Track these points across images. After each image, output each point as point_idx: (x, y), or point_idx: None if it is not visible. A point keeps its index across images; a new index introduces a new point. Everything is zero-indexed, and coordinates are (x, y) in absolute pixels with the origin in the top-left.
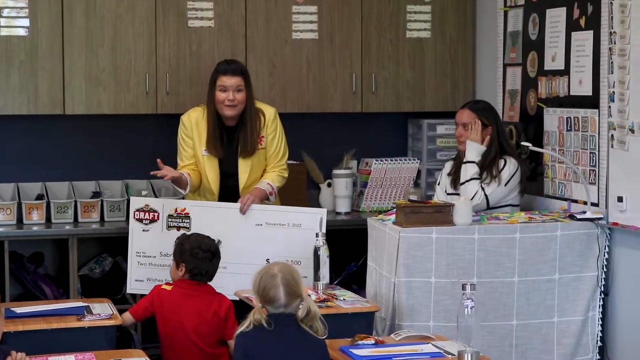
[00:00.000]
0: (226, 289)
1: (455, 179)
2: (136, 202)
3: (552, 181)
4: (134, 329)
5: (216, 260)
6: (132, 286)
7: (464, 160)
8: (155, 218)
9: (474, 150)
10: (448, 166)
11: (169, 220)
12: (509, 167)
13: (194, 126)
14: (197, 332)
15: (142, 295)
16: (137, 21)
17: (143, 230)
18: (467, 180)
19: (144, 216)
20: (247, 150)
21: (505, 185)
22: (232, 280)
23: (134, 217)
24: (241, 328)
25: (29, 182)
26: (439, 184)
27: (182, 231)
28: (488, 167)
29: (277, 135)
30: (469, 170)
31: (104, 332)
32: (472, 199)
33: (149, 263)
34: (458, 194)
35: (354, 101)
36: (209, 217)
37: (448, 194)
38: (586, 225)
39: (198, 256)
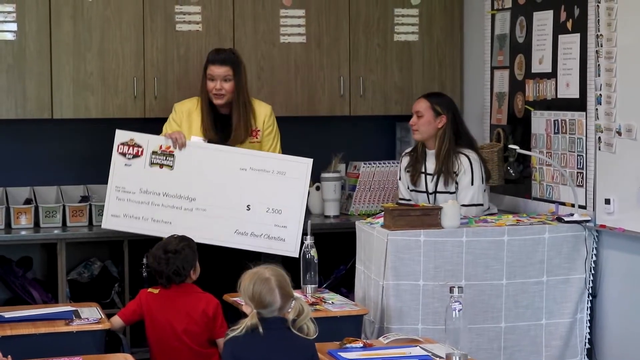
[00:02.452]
0: (204, 232)
1: (414, 175)
2: (121, 136)
3: (540, 184)
4: (122, 333)
5: (169, 259)
6: (108, 221)
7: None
8: (139, 153)
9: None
10: (405, 160)
11: (153, 156)
12: (476, 164)
13: (185, 115)
14: (187, 333)
15: (130, 297)
16: (124, 25)
17: (125, 165)
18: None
19: (128, 150)
20: (238, 134)
21: (483, 182)
22: (210, 223)
23: (117, 151)
24: (233, 333)
25: (17, 186)
26: (400, 179)
27: (164, 169)
28: (445, 160)
29: (273, 130)
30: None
31: (92, 337)
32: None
33: (128, 199)
34: (422, 191)
35: (342, 104)
36: (194, 158)
37: (411, 191)
38: (574, 227)
39: (149, 261)
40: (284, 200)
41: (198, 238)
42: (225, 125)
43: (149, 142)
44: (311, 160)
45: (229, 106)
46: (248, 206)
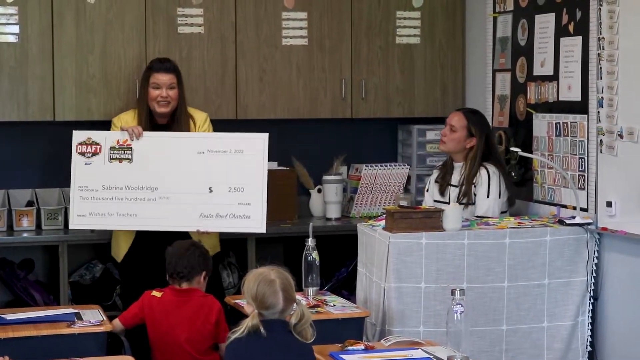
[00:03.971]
0: (169, 220)
1: (443, 186)
2: (78, 136)
3: (542, 186)
4: (124, 336)
5: (190, 254)
6: (75, 221)
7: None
8: (98, 151)
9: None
10: (435, 173)
11: (111, 152)
12: (493, 180)
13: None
14: (189, 341)
15: (127, 296)
16: (126, 27)
17: (85, 164)
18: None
19: (86, 149)
20: None
21: (500, 197)
22: (175, 210)
23: (76, 151)
24: (235, 335)
25: (19, 188)
26: (427, 191)
27: (124, 163)
28: (471, 179)
29: None
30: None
31: (94, 339)
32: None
33: (92, 197)
34: (445, 202)
35: (343, 107)
36: (151, 147)
37: (435, 201)
38: (575, 230)
39: (168, 258)
40: (244, 177)
41: (164, 226)
42: None
43: (106, 138)
44: (267, 134)
45: (166, 116)
46: (210, 188)
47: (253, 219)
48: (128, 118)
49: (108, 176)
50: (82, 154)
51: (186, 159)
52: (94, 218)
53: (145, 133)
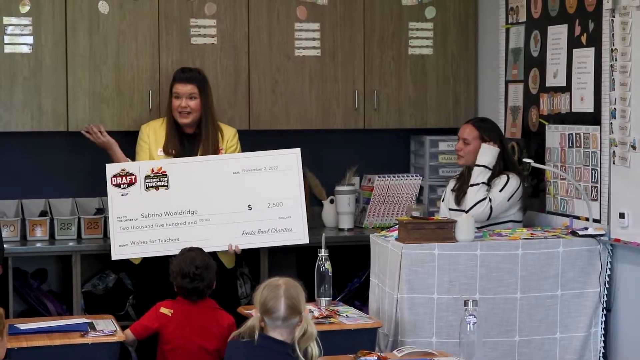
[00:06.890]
0: (212, 241)
1: (459, 195)
2: (112, 169)
3: (554, 198)
4: (132, 347)
5: (202, 274)
6: (117, 252)
7: (477, 164)
8: (133, 181)
9: (489, 155)
10: (452, 183)
11: (147, 180)
12: (512, 182)
13: (151, 132)
14: (202, 349)
15: (139, 301)
16: (140, 38)
17: (122, 195)
18: (476, 184)
19: (122, 181)
20: (206, 153)
21: (508, 200)
22: (216, 230)
23: (112, 183)
24: (235, 332)
25: (32, 198)
26: (443, 201)
27: (161, 190)
28: (490, 181)
29: (236, 150)
30: (480, 175)
31: (107, 349)
32: (476, 204)
33: (131, 226)
34: (462, 210)
35: (356, 118)
36: (186, 172)
37: (450, 210)
38: (588, 241)
39: (178, 281)
40: (282, 192)
41: (208, 247)
42: (191, 144)
43: (140, 168)
44: (299, 149)
45: (194, 126)
46: (249, 206)
47: (295, 231)
48: (156, 124)
49: (146, 204)
50: (118, 185)
51: (222, 180)
52: (136, 247)
53: (179, 159)
